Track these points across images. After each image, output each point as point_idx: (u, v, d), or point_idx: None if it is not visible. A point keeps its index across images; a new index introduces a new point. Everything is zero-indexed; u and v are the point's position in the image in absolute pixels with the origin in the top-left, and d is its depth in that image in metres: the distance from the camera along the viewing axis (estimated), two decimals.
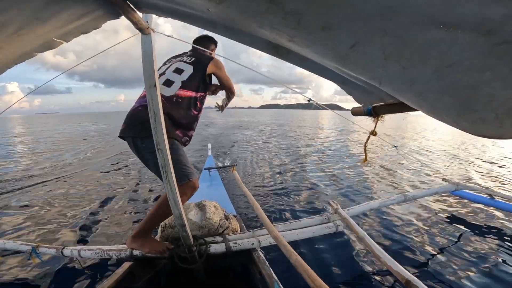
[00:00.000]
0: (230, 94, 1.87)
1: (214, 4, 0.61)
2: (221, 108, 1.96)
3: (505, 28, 0.37)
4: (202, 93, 1.62)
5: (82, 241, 2.44)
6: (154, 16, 1.03)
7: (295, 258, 1.14)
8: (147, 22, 1.01)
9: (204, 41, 1.81)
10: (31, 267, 1.97)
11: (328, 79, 0.95)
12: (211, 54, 1.78)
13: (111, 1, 0.74)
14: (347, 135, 13.73)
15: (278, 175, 4.96)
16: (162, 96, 1.44)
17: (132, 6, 0.85)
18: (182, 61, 1.62)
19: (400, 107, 0.89)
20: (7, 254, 2.10)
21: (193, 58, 1.63)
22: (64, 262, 1.97)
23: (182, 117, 1.50)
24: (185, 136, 1.56)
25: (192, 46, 1.74)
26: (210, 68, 1.61)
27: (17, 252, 2.06)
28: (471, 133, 0.67)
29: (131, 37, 1.11)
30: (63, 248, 1.61)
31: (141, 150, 1.43)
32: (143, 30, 1.00)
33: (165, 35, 1.15)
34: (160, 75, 1.56)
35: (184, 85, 1.52)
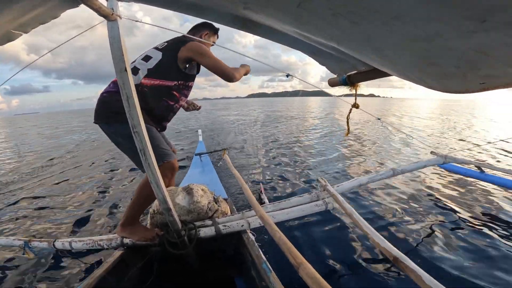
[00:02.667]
0: (225, 79, 1.50)
1: None
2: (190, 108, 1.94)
3: None
4: (179, 82, 1.47)
5: (74, 233, 2.46)
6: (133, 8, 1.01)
7: (279, 236, 1.14)
8: (112, 8, 0.99)
9: (195, 28, 1.63)
10: (25, 262, 1.98)
11: (300, 50, 0.94)
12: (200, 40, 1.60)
13: None
14: (333, 116, 14.11)
15: (269, 156, 5.09)
16: None
17: None
18: (155, 47, 1.49)
19: (373, 74, 0.88)
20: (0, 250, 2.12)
21: (166, 44, 1.48)
22: (56, 254, 1.98)
23: (153, 108, 1.42)
24: (159, 126, 1.50)
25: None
26: (182, 53, 1.41)
27: (10, 248, 2.08)
28: (439, 90, 0.67)
29: (97, 24, 1.08)
30: (55, 241, 1.62)
31: (112, 136, 1.41)
32: (108, 17, 0.98)
33: (133, 20, 1.11)
34: (132, 63, 1.45)
35: (149, 73, 1.40)
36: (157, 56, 1.43)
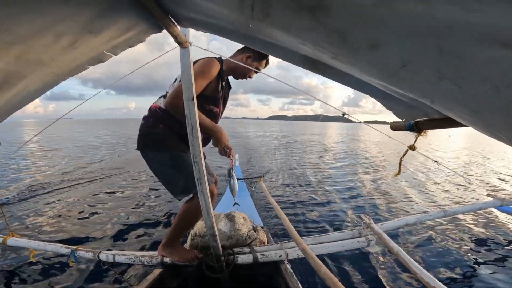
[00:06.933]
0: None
1: (257, 21, 0.60)
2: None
3: None
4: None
5: (117, 245, 2.55)
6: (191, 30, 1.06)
7: (324, 271, 1.11)
8: (185, 35, 1.03)
9: (239, 50, 1.52)
10: (67, 269, 2.06)
11: (367, 94, 0.91)
12: (237, 63, 1.45)
13: (154, 16, 0.76)
14: (370, 147, 13.39)
15: (304, 187, 4.92)
16: (159, 108, 1.41)
17: (173, 20, 0.88)
18: None
19: (447, 123, 0.83)
20: (44, 256, 2.22)
21: None
22: (99, 265, 2.04)
23: (183, 126, 1.18)
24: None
25: None
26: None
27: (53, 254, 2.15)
28: None
29: (171, 50, 1.14)
30: (100, 252, 1.66)
31: (150, 162, 1.43)
32: (182, 44, 1.02)
33: (202, 48, 1.16)
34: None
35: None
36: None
